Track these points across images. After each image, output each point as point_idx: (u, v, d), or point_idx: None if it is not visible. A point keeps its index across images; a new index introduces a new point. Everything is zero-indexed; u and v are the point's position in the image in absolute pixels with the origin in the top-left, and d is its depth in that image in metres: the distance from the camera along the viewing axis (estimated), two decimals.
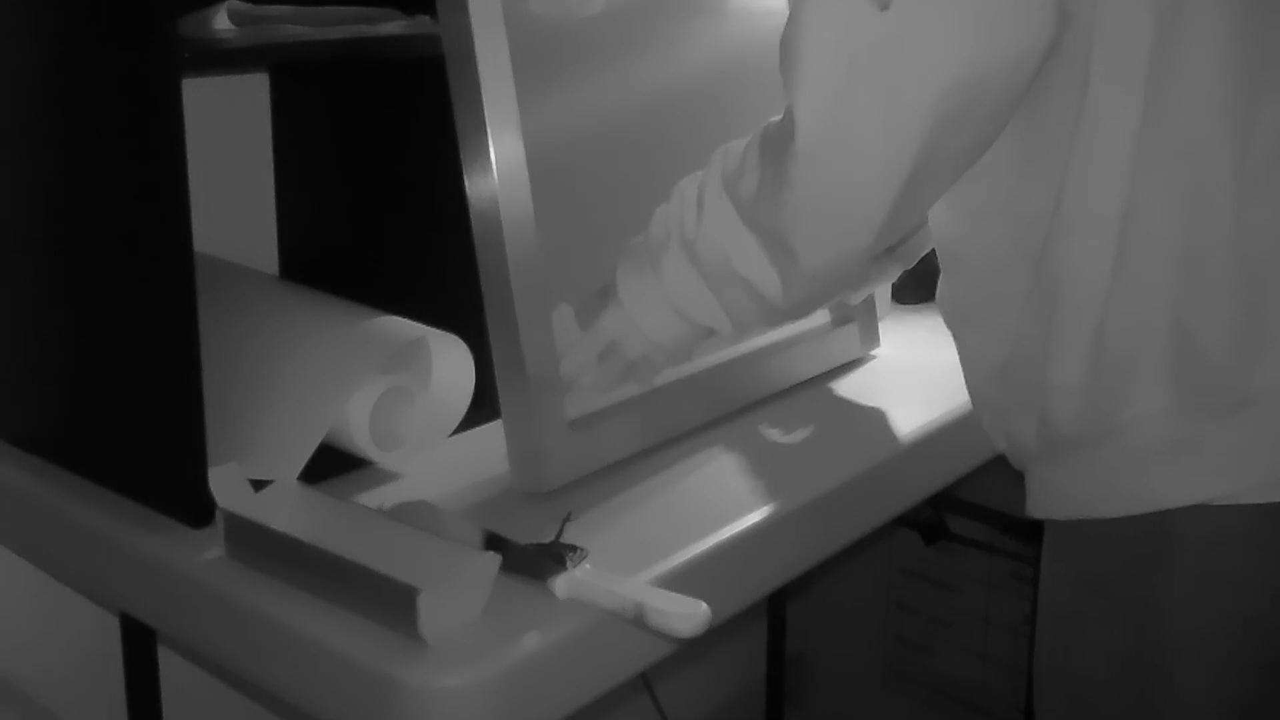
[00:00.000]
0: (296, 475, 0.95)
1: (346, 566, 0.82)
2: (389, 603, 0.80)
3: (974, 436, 1.03)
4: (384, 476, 1.03)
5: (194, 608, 0.91)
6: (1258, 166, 0.82)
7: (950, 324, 0.98)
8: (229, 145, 1.25)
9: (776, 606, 1.99)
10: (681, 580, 0.88)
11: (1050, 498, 0.91)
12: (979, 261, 0.93)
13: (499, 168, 0.97)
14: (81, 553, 1.00)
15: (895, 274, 1.22)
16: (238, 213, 1.26)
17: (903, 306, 1.47)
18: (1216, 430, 0.83)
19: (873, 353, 1.32)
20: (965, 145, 0.85)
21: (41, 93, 1.00)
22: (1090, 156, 0.83)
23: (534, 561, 0.86)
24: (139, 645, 1.25)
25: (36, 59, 1.00)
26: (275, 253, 1.31)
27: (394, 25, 1.10)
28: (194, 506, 0.92)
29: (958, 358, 0.99)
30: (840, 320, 1.30)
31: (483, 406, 1.06)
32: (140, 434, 0.97)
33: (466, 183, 0.98)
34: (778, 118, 0.90)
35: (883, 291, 1.41)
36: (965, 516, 1.80)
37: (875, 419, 1.17)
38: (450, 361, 1.06)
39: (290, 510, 0.91)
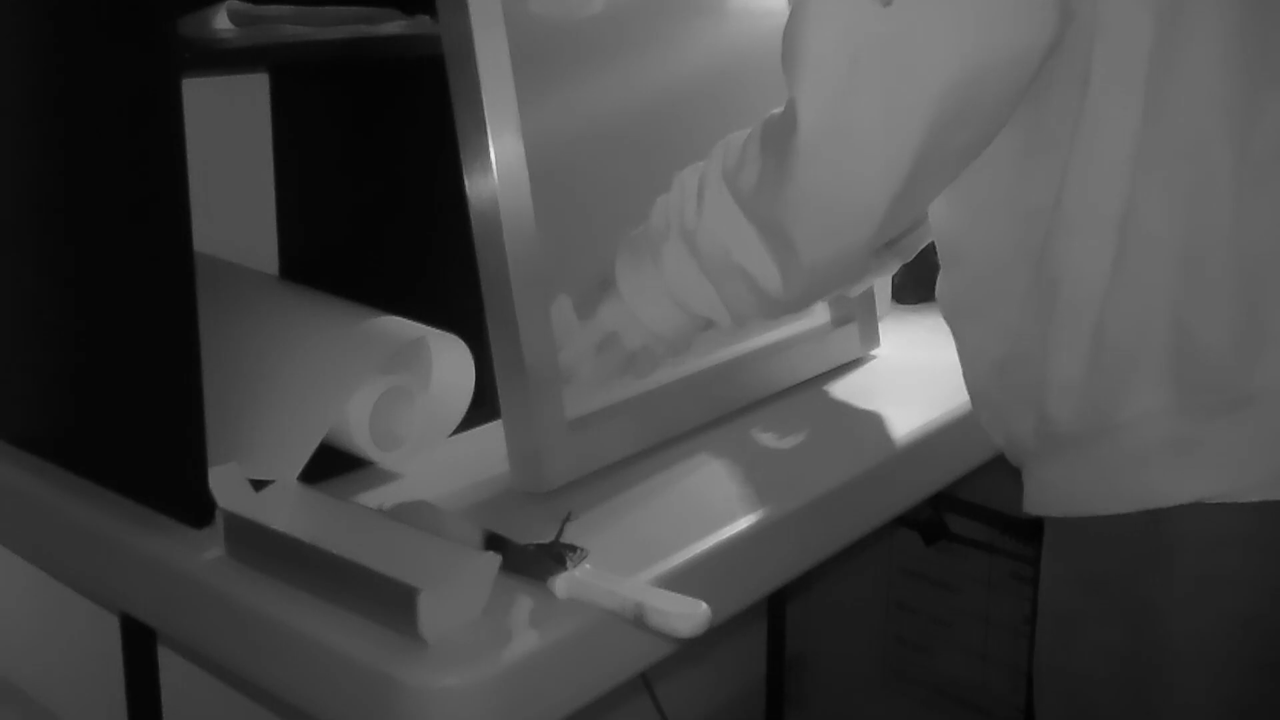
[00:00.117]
0: (296, 475, 0.95)
1: (346, 566, 0.82)
2: (389, 603, 0.80)
3: (974, 436, 1.03)
4: (384, 476, 1.03)
5: (194, 608, 0.91)
6: (1258, 166, 0.82)
7: (949, 319, 0.98)
8: (229, 145, 1.25)
9: (776, 606, 1.99)
10: (681, 580, 0.88)
11: (1047, 495, 0.91)
12: (979, 257, 0.93)
13: (499, 168, 0.97)
14: (81, 553, 1.00)
15: (895, 267, 1.22)
16: (238, 213, 1.26)
17: (903, 306, 1.47)
18: (1215, 429, 0.83)
19: (873, 353, 1.32)
20: (966, 141, 0.85)
21: (41, 93, 1.00)
22: (1090, 155, 0.83)
23: (534, 561, 0.86)
24: (139, 645, 1.25)
25: (36, 59, 1.00)
26: (275, 253, 1.31)
27: (394, 25, 1.10)
28: (194, 506, 0.92)
29: (957, 356, 0.99)
30: (840, 320, 1.30)
31: (483, 406, 1.06)
32: (140, 434, 0.97)
33: (466, 183, 0.98)
34: (779, 110, 0.90)
35: (883, 291, 1.41)
36: (965, 516, 1.80)
37: (875, 419, 1.17)
38: (450, 361, 1.06)
39: (290, 510, 0.91)
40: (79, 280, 1.00)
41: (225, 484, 0.90)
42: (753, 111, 0.97)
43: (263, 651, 0.87)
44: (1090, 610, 0.89)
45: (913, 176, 0.84)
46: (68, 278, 1.01)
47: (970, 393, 0.99)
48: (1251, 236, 0.82)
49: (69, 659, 1.27)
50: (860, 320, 1.30)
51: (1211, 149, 0.82)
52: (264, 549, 0.87)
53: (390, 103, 1.19)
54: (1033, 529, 1.71)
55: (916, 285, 1.45)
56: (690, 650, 0.88)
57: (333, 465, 1.01)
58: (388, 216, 1.21)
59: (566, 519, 0.93)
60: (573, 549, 0.87)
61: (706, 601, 0.82)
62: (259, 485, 0.91)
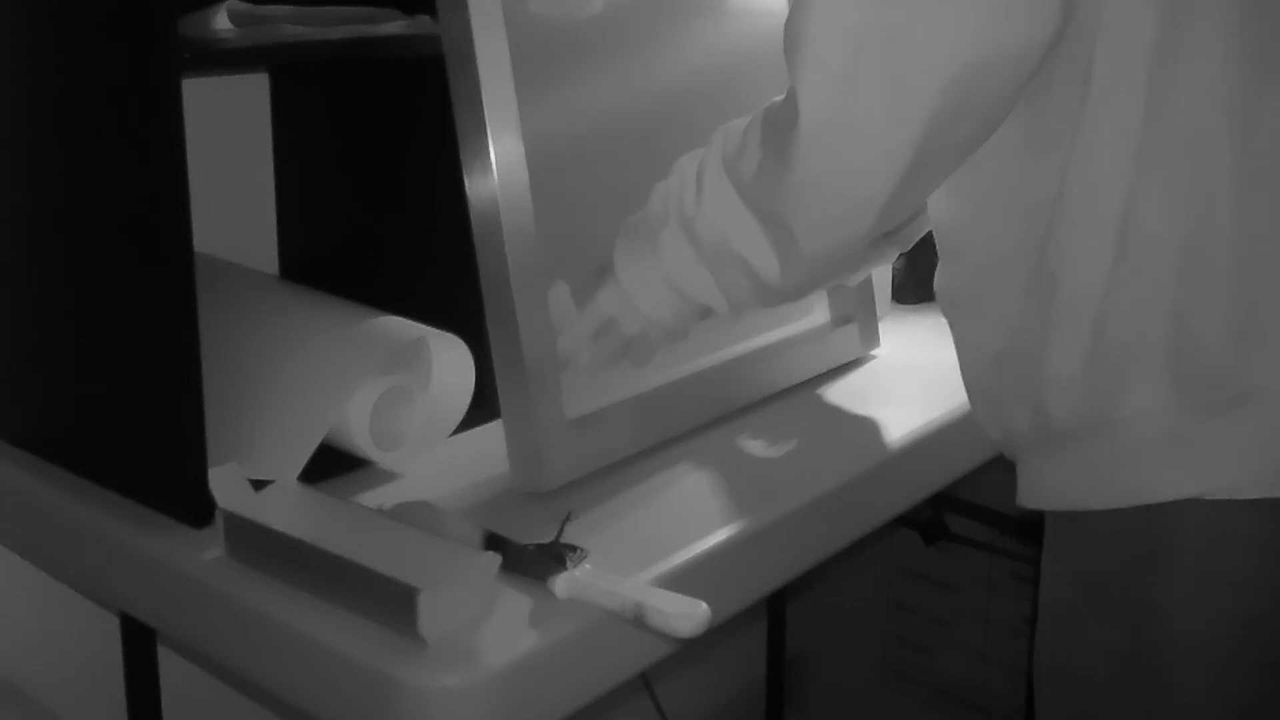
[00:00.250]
0: (296, 475, 0.95)
1: (346, 566, 0.82)
2: (389, 603, 0.80)
3: (974, 436, 1.03)
4: (384, 476, 1.03)
5: (194, 608, 0.91)
6: (1259, 165, 0.82)
7: (946, 312, 0.98)
8: (229, 145, 1.25)
9: (776, 606, 1.99)
10: (681, 580, 0.88)
11: (1042, 489, 0.91)
12: (978, 250, 0.93)
13: (499, 168, 0.97)
14: (81, 553, 1.00)
15: (893, 257, 1.22)
16: (238, 213, 1.26)
17: (903, 306, 1.47)
18: (1213, 426, 0.83)
19: (873, 353, 1.32)
20: (967, 134, 0.85)
21: (41, 93, 1.00)
22: (1091, 151, 0.83)
23: (534, 561, 0.86)
24: (139, 645, 1.25)
25: (36, 59, 1.00)
26: (275, 253, 1.31)
27: (394, 25, 1.10)
28: (194, 506, 0.92)
29: (955, 353, 0.99)
30: (840, 320, 1.30)
31: (483, 406, 1.06)
32: (140, 434, 0.97)
33: (466, 183, 0.98)
34: (780, 98, 0.90)
35: (883, 291, 1.41)
36: (965, 516, 1.80)
37: (875, 419, 1.17)
38: (450, 361, 1.06)
39: (290, 510, 0.91)
40: (79, 280, 1.00)
41: (225, 484, 0.90)
42: (753, 110, 0.97)
43: (263, 651, 0.87)
44: (1090, 610, 0.89)
45: (913, 168, 0.84)
46: (68, 278, 1.01)
47: (966, 385, 0.98)
48: (1252, 235, 0.82)
49: (69, 659, 1.27)
50: (860, 320, 1.30)
51: (1212, 148, 0.82)
52: (264, 549, 0.87)
53: (390, 103, 1.19)
54: (1033, 529, 1.71)
55: (916, 285, 1.45)
56: (690, 650, 0.88)
57: (333, 465, 1.01)
58: (388, 216, 1.21)
59: (566, 519, 0.93)
60: (573, 549, 0.87)
61: (706, 601, 0.82)
62: (259, 485, 0.91)
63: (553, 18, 1.06)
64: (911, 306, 1.46)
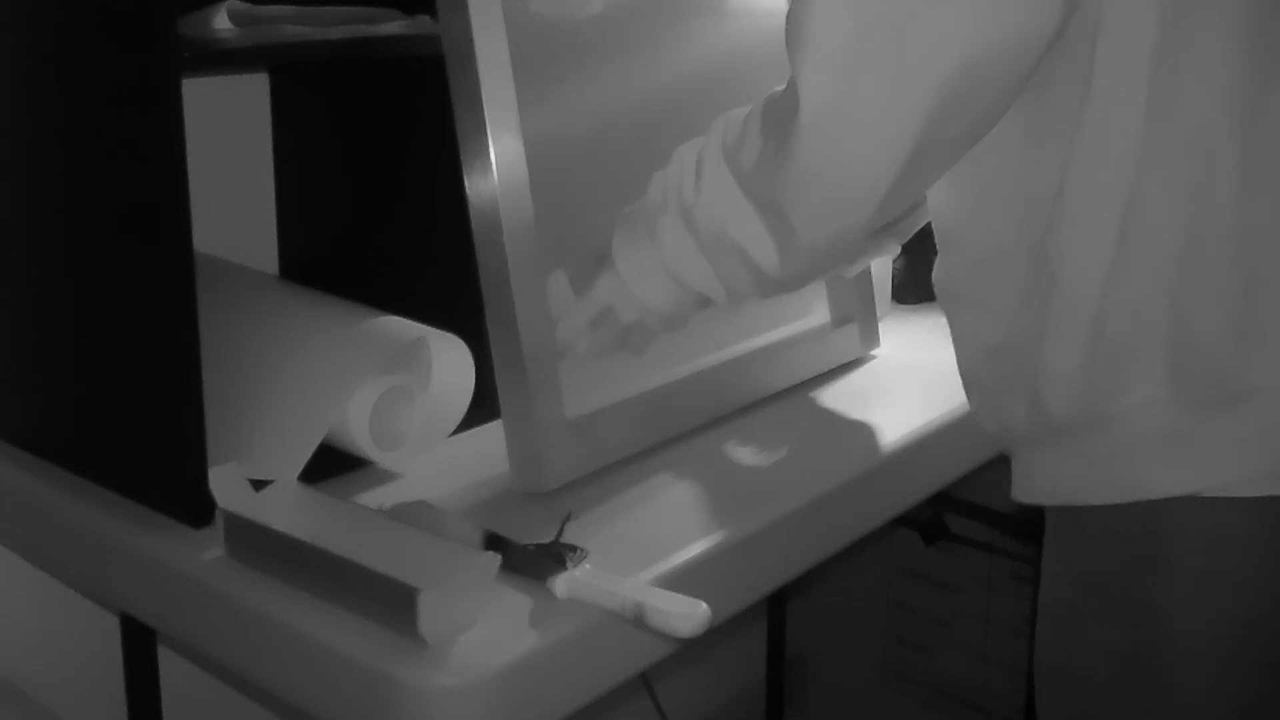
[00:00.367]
0: (296, 475, 0.95)
1: (346, 566, 0.82)
2: (389, 603, 0.80)
3: (974, 436, 1.03)
4: (384, 476, 1.03)
5: (194, 608, 0.91)
6: (1262, 163, 0.82)
7: (944, 304, 0.98)
8: (229, 145, 1.25)
9: (776, 606, 1.99)
10: (681, 580, 0.88)
11: (1037, 482, 0.91)
12: (977, 243, 0.93)
13: (499, 168, 0.97)
14: (81, 553, 1.00)
15: (891, 248, 1.22)
16: (238, 213, 1.26)
17: (903, 306, 1.47)
18: (1211, 423, 0.83)
19: (873, 353, 1.32)
20: (968, 127, 0.85)
21: (41, 93, 1.00)
22: (1094, 146, 0.83)
23: (534, 561, 0.86)
24: (139, 645, 1.25)
25: (36, 59, 1.00)
26: (275, 253, 1.31)
27: (394, 25, 1.10)
28: (194, 506, 0.92)
29: (952, 345, 0.99)
30: (840, 320, 1.30)
31: (483, 406, 1.06)
32: (140, 434, 0.97)
33: (466, 183, 0.98)
34: (781, 88, 0.90)
35: (883, 291, 1.41)
36: (965, 516, 1.80)
37: (875, 419, 1.17)
38: (450, 361, 1.06)
39: (290, 510, 0.91)
40: (79, 280, 1.00)
41: (225, 484, 0.90)
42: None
43: (263, 651, 0.87)
44: (1090, 610, 0.89)
45: (913, 160, 0.84)
46: (68, 278, 1.01)
47: (963, 378, 0.98)
48: (1252, 234, 0.82)
49: (69, 659, 1.27)
50: (860, 320, 1.30)
51: (1215, 146, 0.82)
52: (264, 549, 0.87)
53: (390, 103, 1.19)
54: (1033, 529, 1.71)
55: (916, 285, 1.45)
56: (690, 650, 0.88)
57: (333, 465, 1.01)
58: (388, 216, 1.21)
59: (566, 519, 0.93)
60: (573, 549, 0.87)
61: (706, 601, 0.82)
62: (259, 485, 0.91)
63: (553, 18, 1.06)
64: (911, 306, 1.46)
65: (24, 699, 1.24)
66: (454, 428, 1.08)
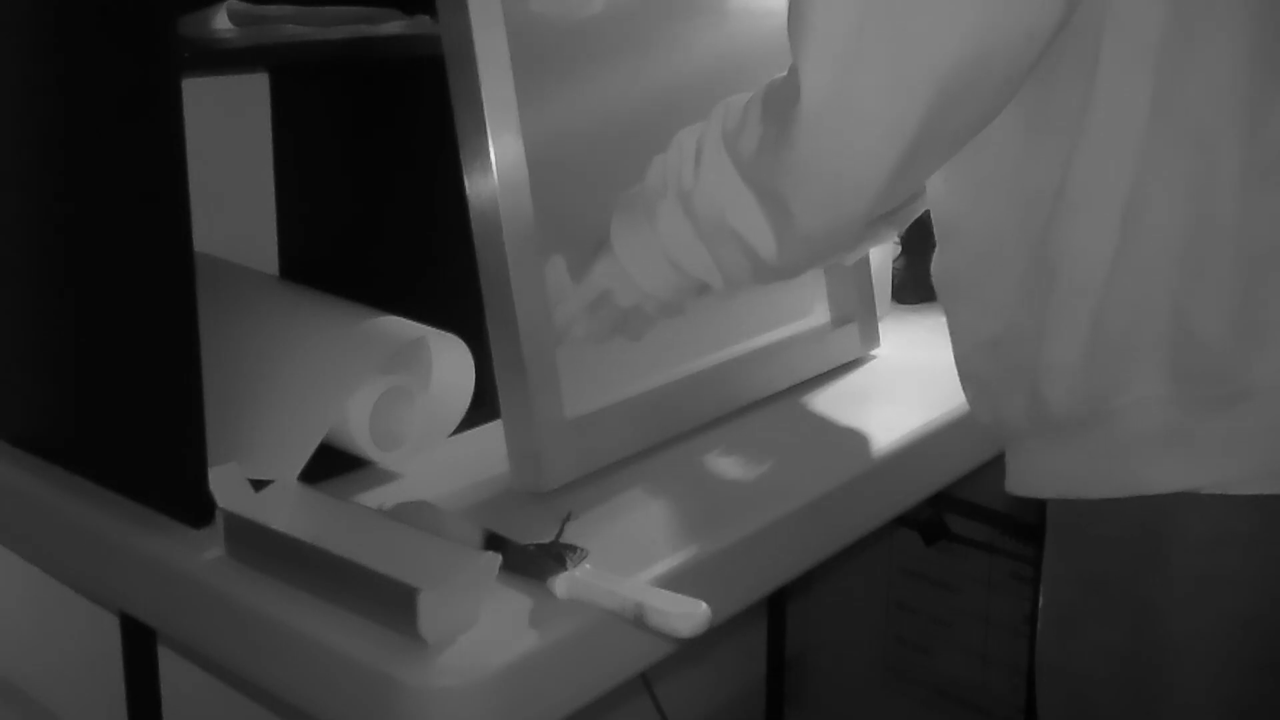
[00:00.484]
0: (296, 475, 0.95)
1: (346, 566, 0.82)
2: (389, 603, 0.80)
3: (974, 436, 1.03)
4: (384, 476, 1.03)
5: (194, 608, 0.91)
6: (1265, 162, 0.82)
7: (942, 296, 0.98)
8: (229, 145, 1.25)
9: (776, 606, 1.99)
10: (681, 580, 0.88)
11: (1033, 475, 0.91)
12: (977, 236, 0.93)
13: (499, 168, 0.97)
14: (81, 553, 1.00)
15: (889, 237, 1.21)
16: (238, 213, 1.26)
17: (903, 306, 1.47)
18: (1210, 421, 0.83)
19: (873, 353, 1.32)
20: (968, 119, 0.85)
21: (41, 93, 1.00)
22: (1097, 142, 0.83)
23: (534, 561, 0.86)
24: (139, 645, 1.25)
25: (36, 59, 1.00)
26: (275, 253, 1.31)
27: (394, 25, 1.10)
28: (194, 506, 0.92)
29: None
30: (840, 320, 1.30)
31: (483, 406, 1.06)
32: (140, 434, 0.97)
33: (466, 183, 0.98)
34: (782, 75, 0.89)
35: (883, 291, 1.41)
36: (965, 516, 1.80)
37: (875, 419, 1.17)
38: (450, 361, 1.06)
39: (290, 510, 0.91)
40: (79, 280, 1.00)
41: (225, 484, 0.90)
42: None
43: (263, 651, 0.87)
44: (1091, 610, 0.89)
45: (913, 151, 0.83)
46: (68, 278, 1.01)
47: (959, 370, 0.98)
48: (1256, 232, 0.82)
49: (69, 659, 1.27)
50: (860, 320, 1.30)
51: (1219, 144, 0.82)
52: (264, 549, 0.87)
53: (390, 103, 1.19)
54: (1032, 529, 1.71)
55: (916, 285, 1.45)
56: (690, 650, 0.88)
57: (333, 465, 1.01)
58: (388, 216, 1.21)
59: (566, 519, 0.93)
60: (573, 549, 0.87)
61: (706, 601, 0.82)
62: (259, 485, 0.91)
63: (553, 18, 1.06)
64: (911, 306, 1.46)
65: (24, 699, 1.24)
66: (454, 428, 1.08)
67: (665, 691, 1.70)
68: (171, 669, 1.27)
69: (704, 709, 1.94)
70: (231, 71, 1.26)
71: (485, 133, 0.97)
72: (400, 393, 1.03)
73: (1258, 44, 0.81)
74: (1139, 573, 0.86)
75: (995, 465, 1.07)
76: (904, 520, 1.81)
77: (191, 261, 0.90)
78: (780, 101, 0.87)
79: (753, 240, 0.93)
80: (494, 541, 0.88)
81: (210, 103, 1.21)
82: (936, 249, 0.98)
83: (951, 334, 0.98)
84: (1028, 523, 1.72)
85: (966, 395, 0.98)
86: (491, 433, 1.06)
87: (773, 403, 1.19)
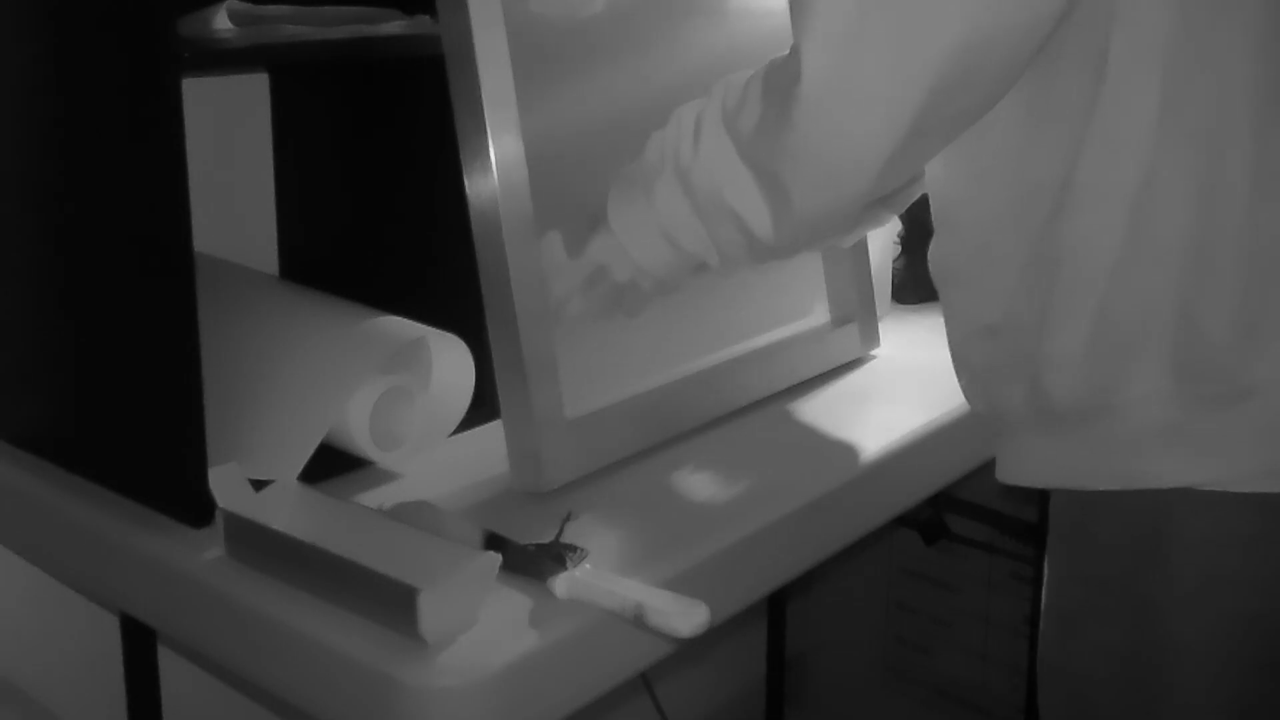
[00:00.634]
0: (296, 475, 0.95)
1: (346, 566, 0.82)
2: (389, 603, 0.80)
3: (974, 436, 1.03)
4: (384, 476, 1.03)
5: (194, 608, 0.91)
6: (1276, 162, 0.82)
7: (939, 282, 0.98)
8: (229, 145, 1.25)
9: (776, 606, 1.99)
10: (681, 580, 0.88)
11: (1027, 464, 0.91)
12: (975, 223, 0.92)
13: (499, 168, 0.97)
14: (81, 553, 1.00)
15: (886, 221, 1.21)
16: (238, 213, 1.26)
17: (903, 306, 1.47)
18: (1211, 418, 0.83)
19: (873, 353, 1.32)
20: (968, 105, 0.85)
21: (41, 93, 1.00)
22: (1107, 137, 0.83)
23: (534, 561, 0.86)
24: (139, 645, 1.25)
25: (36, 59, 1.00)
26: (275, 253, 1.31)
27: (394, 25, 1.10)
28: (194, 506, 0.92)
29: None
30: (840, 320, 1.30)
31: (483, 406, 1.06)
32: (140, 434, 0.97)
33: (466, 183, 0.98)
34: (783, 55, 0.89)
35: (883, 291, 1.41)
36: (965, 516, 1.80)
37: (875, 419, 1.17)
38: (450, 361, 1.06)
39: (290, 510, 0.91)
40: (79, 280, 1.00)
41: (225, 484, 0.90)
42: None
43: (263, 651, 0.87)
44: (1092, 610, 0.89)
45: (911, 135, 0.83)
46: (68, 278, 1.01)
47: (953, 356, 0.98)
48: (1263, 231, 0.82)
49: (69, 659, 1.27)
50: (860, 320, 1.30)
51: (1229, 143, 0.81)
52: (264, 549, 0.87)
53: (390, 103, 1.19)
54: (1033, 529, 1.71)
55: (916, 285, 1.45)
56: (690, 650, 0.88)
57: (333, 465, 1.01)
58: (388, 216, 1.21)
59: (566, 519, 0.93)
60: (573, 549, 0.87)
61: (706, 601, 0.82)
62: (259, 485, 0.91)
63: (553, 18, 1.06)
64: (911, 306, 1.46)
65: (24, 699, 1.24)
66: (454, 428, 1.08)
67: (665, 691, 1.70)
68: (171, 669, 1.27)
69: (704, 709, 1.94)
70: (231, 71, 1.26)
71: (485, 133, 0.97)
72: (400, 393, 1.03)
73: (1267, 46, 0.81)
74: (1140, 573, 0.86)
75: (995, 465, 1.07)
76: (904, 520, 1.81)
77: (191, 262, 0.90)
78: (781, 81, 0.87)
79: (749, 219, 0.93)
80: (494, 541, 0.88)
81: (210, 103, 1.21)
82: (935, 236, 0.98)
83: (947, 321, 0.98)
84: (1028, 523, 1.72)
85: (960, 382, 0.98)
86: (491, 433, 1.06)
87: (773, 403, 1.19)
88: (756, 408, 1.18)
